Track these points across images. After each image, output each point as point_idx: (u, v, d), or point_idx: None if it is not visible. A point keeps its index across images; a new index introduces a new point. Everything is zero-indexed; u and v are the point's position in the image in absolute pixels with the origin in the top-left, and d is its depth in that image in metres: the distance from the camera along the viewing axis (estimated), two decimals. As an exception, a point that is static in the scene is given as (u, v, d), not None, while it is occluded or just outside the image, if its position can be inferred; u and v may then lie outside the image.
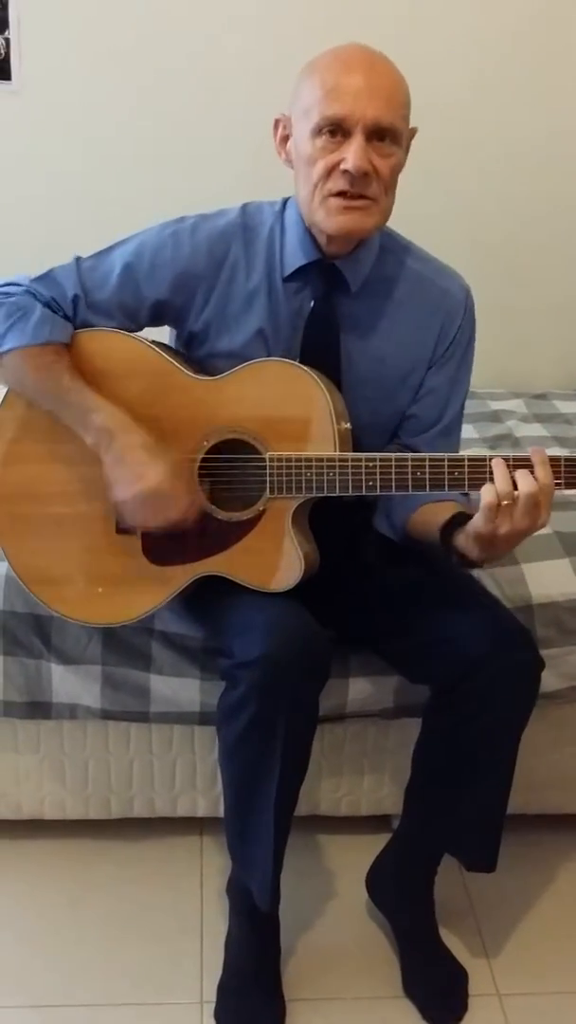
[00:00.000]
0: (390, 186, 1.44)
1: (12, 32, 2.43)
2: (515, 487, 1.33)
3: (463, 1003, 1.62)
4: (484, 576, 1.76)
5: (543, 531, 1.85)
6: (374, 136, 1.39)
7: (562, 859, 1.91)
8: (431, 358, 1.57)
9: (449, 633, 1.48)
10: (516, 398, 2.61)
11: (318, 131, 1.40)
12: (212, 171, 2.47)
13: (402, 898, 1.69)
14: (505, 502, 1.32)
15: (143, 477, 1.43)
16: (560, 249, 2.70)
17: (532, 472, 1.33)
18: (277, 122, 1.49)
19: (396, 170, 1.44)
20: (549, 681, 1.69)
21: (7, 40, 2.44)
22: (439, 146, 2.50)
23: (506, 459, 1.35)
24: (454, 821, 1.57)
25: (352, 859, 1.80)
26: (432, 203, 2.52)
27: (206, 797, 1.84)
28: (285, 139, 1.48)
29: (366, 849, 1.75)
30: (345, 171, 1.39)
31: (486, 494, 1.33)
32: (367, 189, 1.41)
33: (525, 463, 1.35)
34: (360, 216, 1.43)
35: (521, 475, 1.33)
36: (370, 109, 1.38)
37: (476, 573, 1.74)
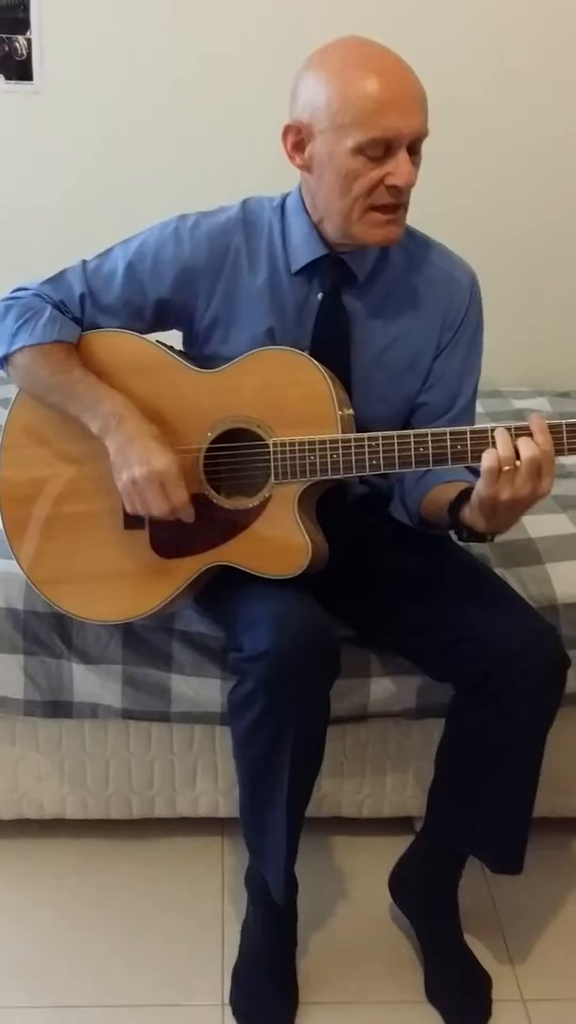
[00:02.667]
0: None
1: (34, 33, 2.44)
2: (517, 455, 1.32)
3: (487, 1009, 1.60)
4: (509, 575, 1.75)
5: (568, 531, 1.85)
6: (411, 147, 1.41)
7: (588, 863, 1.89)
8: (438, 343, 1.58)
9: (474, 631, 1.47)
10: (540, 396, 2.58)
11: (360, 150, 1.39)
12: (231, 171, 2.46)
13: (426, 901, 1.67)
14: (507, 467, 1.32)
15: (151, 460, 1.44)
16: (581, 244, 2.68)
17: (533, 438, 1.33)
18: (288, 129, 1.46)
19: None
20: (573, 681, 1.67)
21: (29, 41, 2.45)
22: (457, 144, 2.49)
23: (508, 428, 1.35)
24: (479, 822, 1.55)
25: (374, 861, 1.78)
26: (451, 200, 2.50)
27: (227, 797, 1.83)
28: (298, 144, 1.46)
29: (388, 851, 1.73)
30: (392, 186, 1.40)
31: (487, 459, 1.32)
32: (406, 198, 1.44)
33: (527, 432, 1.34)
34: (399, 228, 1.47)
35: (523, 442, 1.32)
36: (414, 124, 1.39)
37: (500, 572, 1.73)
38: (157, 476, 1.43)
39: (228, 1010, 1.59)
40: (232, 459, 1.49)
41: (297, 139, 1.45)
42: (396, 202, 1.43)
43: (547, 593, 1.72)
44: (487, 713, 1.48)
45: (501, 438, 1.33)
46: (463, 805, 1.56)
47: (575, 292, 2.72)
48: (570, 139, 2.57)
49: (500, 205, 2.62)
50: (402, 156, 1.39)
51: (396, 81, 1.38)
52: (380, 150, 1.39)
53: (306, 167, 1.47)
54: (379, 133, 1.37)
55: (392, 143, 1.39)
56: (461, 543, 1.54)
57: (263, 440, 1.46)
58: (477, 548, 1.79)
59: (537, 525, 1.84)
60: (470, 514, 1.41)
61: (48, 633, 1.69)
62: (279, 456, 1.45)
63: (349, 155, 1.40)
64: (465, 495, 1.43)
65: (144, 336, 1.55)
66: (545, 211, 2.63)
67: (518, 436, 1.34)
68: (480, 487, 1.35)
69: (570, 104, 2.55)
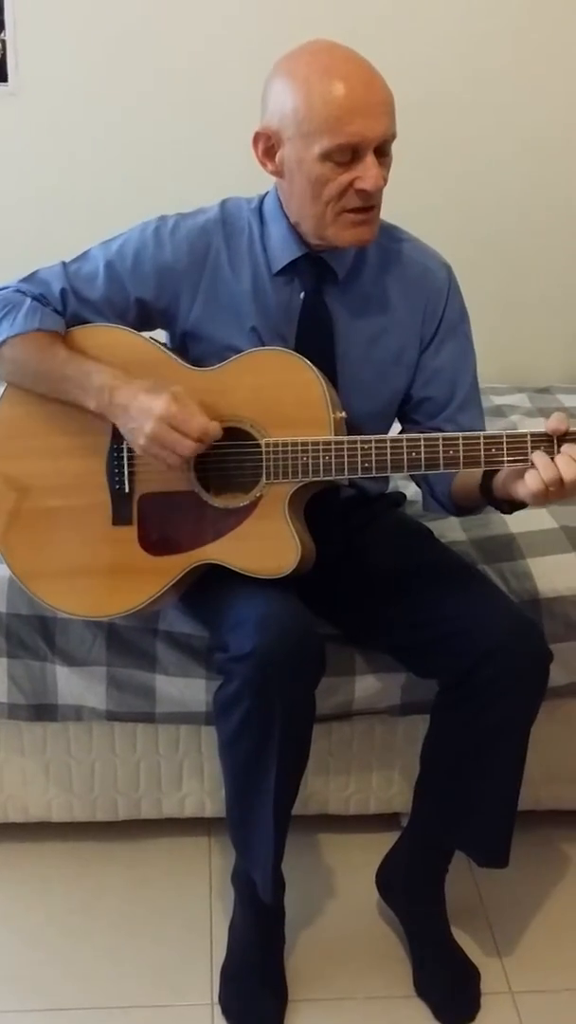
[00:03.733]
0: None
1: (8, 34, 2.43)
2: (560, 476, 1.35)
3: (476, 1002, 1.61)
4: (491, 571, 1.76)
5: (549, 526, 1.87)
6: (380, 150, 1.41)
7: (574, 856, 1.89)
8: (421, 337, 1.59)
9: (457, 626, 1.48)
10: (519, 392, 2.60)
11: (328, 156, 1.40)
12: (210, 172, 2.46)
13: (413, 896, 1.68)
14: (552, 489, 1.35)
15: (152, 409, 1.42)
16: (562, 243, 2.70)
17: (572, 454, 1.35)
18: (258, 136, 1.46)
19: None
20: (556, 675, 1.67)
21: (3, 42, 2.44)
22: (439, 140, 2.51)
23: (523, 437, 1.36)
24: (464, 817, 1.56)
25: (362, 858, 1.79)
26: (433, 197, 2.52)
27: (213, 798, 1.83)
28: (269, 151, 1.46)
29: (375, 848, 1.74)
30: (361, 190, 1.41)
31: (532, 482, 1.35)
32: (377, 200, 1.45)
33: (544, 439, 1.36)
34: (371, 228, 1.48)
35: (563, 460, 1.34)
36: (379, 128, 1.40)
37: (483, 568, 1.75)
38: (164, 420, 1.42)
39: (218, 1009, 1.59)
40: (224, 458, 1.49)
41: (267, 146, 1.46)
42: (366, 205, 1.44)
43: (529, 588, 1.73)
44: (471, 708, 1.49)
45: (540, 460, 1.35)
46: (448, 800, 1.56)
47: (554, 290, 2.74)
48: (550, 137, 2.59)
49: (479, 203, 2.63)
50: (369, 160, 1.40)
51: (360, 87, 1.39)
52: (347, 155, 1.40)
53: (278, 173, 1.48)
54: (344, 139, 1.38)
55: (358, 148, 1.39)
56: (504, 514, 1.54)
57: (255, 440, 1.47)
58: (460, 545, 1.81)
59: (519, 521, 1.84)
60: (503, 487, 1.43)
61: (32, 636, 1.68)
62: (271, 456, 1.45)
63: (317, 161, 1.40)
64: (489, 474, 1.45)
65: (139, 332, 1.55)
66: (523, 209, 2.65)
67: (534, 445, 1.36)
68: (530, 502, 1.39)
69: (551, 102, 2.56)
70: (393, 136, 1.43)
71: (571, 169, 2.63)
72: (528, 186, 2.63)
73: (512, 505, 1.46)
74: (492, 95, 2.55)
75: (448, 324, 1.60)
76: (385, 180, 1.43)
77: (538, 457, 1.35)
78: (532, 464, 1.36)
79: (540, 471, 1.34)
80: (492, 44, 2.50)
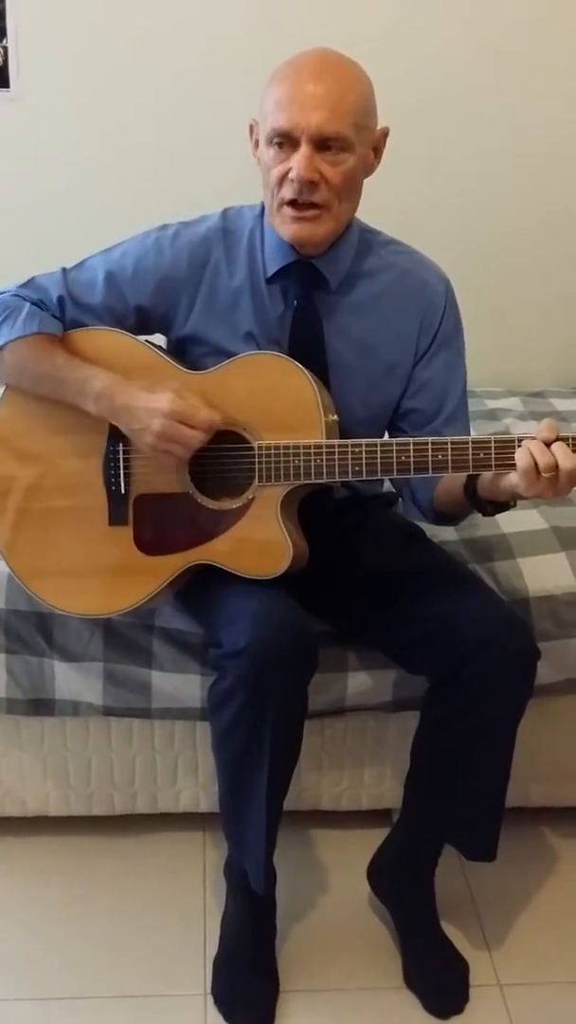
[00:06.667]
0: (344, 192, 1.47)
1: (10, 40, 2.46)
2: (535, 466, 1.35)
3: (464, 994, 1.64)
4: (482, 570, 1.78)
5: (539, 526, 1.89)
6: (320, 145, 1.43)
7: (562, 851, 1.92)
8: (416, 349, 1.61)
9: (446, 623, 1.51)
10: (513, 396, 2.62)
11: (269, 141, 1.45)
12: (211, 178, 2.49)
13: (403, 889, 1.70)
14: (547, 475, 1.35)
15: (158, 407, 1.46)
16: (556, 247, 2.71)
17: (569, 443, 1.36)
18: (250, 129, 1.52)
19: (350, 176, 1.46)
20: (546, 673, 1.71)
21: (5, 48, 2.47)
22: (432, 146, 2.53)
23: (518, 440, 1.37)
24: (453, 811, 1.58)
25: (354, 853, 1.81)
26: (427, 202, 2.55)
27: (208, 793, 1.86)
28: (255, 143, 1.51)
29: (368, 843, 1.76)
30: (291, 180, 1.44)
31: (522, 460, 1.35)
32: (315, 197, 1.45)
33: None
34: (310, 226, 1.48)
35: (559, 448, 1.35)
36: (313, 119, 1.41)
37: (473, 567, 1.77)
38: (171, 416, 1.45)
39: (210, 999, 1.61)
40: (218, 460, 1.52)
41: (254, 138, 1.51)
42: (300, 198, 1.45)
43: (518, 587, 1.76)
44: (460, 703, 1.51)
45: (535, 447, 1.35)
46: (438, 794, 1.59)
47: (547, 295, 2.76)
48: (547, 144, 2.60)
49: (474, 209, 2.65)
50: (302, 151, 1.42)
51: (306, 79, 1.42)
52: (282, 140, 1.44)
53: (259, 162, 1.52)
54: (278, 124, 1.43)
55: (290, 135, 1.43)
56: (485, 516, 1.54)
57: (249, 443, 1.49)
58: (451, 545, 1.83)
59: (509, 521, 1.87)
60: (489, 486, 1.44)
61: (30, 631, 1.71)
62: (264, 459, 1.48)
63: (265, 146, 1.47)
64: (474, 475, 1.46)
65: (135, 336, 1.58)
66: (518, 215, 2.67)
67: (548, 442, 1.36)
68: (520, 490, 1.38)
69: (549, 109, 2.58)
70: (337, 135, 1.43)
71: (566, 176, 2.65)
72: (523, 192, 2.65)
73: (496, 506, 1.48)
74: (489, 104, 2.56)
75: (442, 337, 1.61)
76: (326, 177, 1.44)
77: (533, 444, 1.36)
78: (519, 445, 1.36)
79: (536, 455, 1.34)
80: (488, 54, 2.52)
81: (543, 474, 1.35)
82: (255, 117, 1.50)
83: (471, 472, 1.43)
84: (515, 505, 1.49)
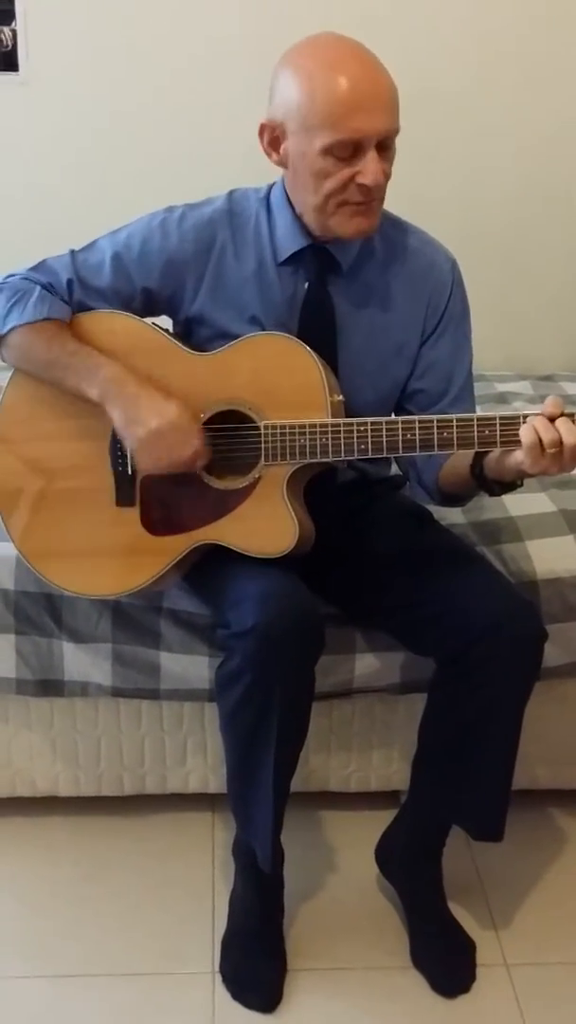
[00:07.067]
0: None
1: (19, 23, 2.46)
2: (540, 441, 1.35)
3: (471, 973, 1.64)
4: (490, 553, 1.78)
5: (548, 508, 1.89)
6: (382, 144, 1.43)
7: (569, 832, 1.93)
8: (423, 329, 1.61)
9: (454, 604, 1.51)
10: (522, 380, 2.62)
11: (329, 151, 1.42)
12: (217, 162, 2.49)
13: (411, 869, 1.71)
14: (552, 450, 1.35)
15: (164, 411, 1.47)
16: (566, 232, 2.70)
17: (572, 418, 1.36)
18: (263, 127, 1.49)
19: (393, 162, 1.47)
20: (554, 655, 1.71)
21: (14, 32, 2.47)
22: (440, 132, 2.52)
23: (517, 419, 1.37)
24: (460, 791, 1.59)
25: (362, 834, 1.82)
26: (436, 189, 2.54)
27: (216, 774, 1.87)
28: (274, 142, 1.49)
29: (376, 825, 1.77)
30: (362, 184, 1.43)
31: (527, 436, 1.35)
32: (378, 193, 1.46)
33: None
34: (372, 219, 1.49)
35: (563, 425, 1.35)
36: (379, 125, 1.41)
37: (481, 549, 1.77)
38: (172, 426, 1.47)
39: (219, 977, 1.63)
40: (224, 440, 1.52)
41: (272, 137, 1.48)
42: (366, 199, 1.46)
43: (526, 569, 1.76)
44: (467, 685, 1.52)
45: (540, 423, 1.35)
46: (445, 774, 1.60)
47: (556, 279, 2.75)
48: (553, 129, 2.60)
49: (484, 194, 2.64)
50: (371, 156, 1.42)
51: (364, 83, 1.40)
52: (348, 150, 1.42)
53: (282, 163, 1.50)
54: (346, 135, 1.40)
55: (360, 144, 1.41)
56: (492, 496, 1.54)
57: (255, 422, 1.50)
58: (459, 527, 1.84)
59: (517, 504, 1.88)
60: (495, 466, 1.44)
61: (39, 613, 1.72)
62: (270, 438, 1.48)
63: (319, 156, 1.43)
64: (480, 454, 1.46)
65: (140, 318, 1.58)
66: (527, 200, 2.66)
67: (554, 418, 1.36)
68: (525, 468, 1.38)
69: (554, 94, 2.57)
70: (396, 131, 1.44)
71: (573, 160, 2.64)
72: (531, 176, 2.64)
73: (502, 487, 1.48)
74: (494, 89, 2.55)
75: (449, 318, 1.61)
76: (387, 174, 1.45)
77: (538, 420, 1.36)
78: (524, 421, 1.36)
79: (540, 431, 1.34)
80: (494, 41, 2.51)
81: (548, 450, 1.35)
82: (273, 117, 1.46)
83: (477, 449, 1.43)
84: (522, 485, 1.49)
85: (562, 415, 1.37)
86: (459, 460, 1.52)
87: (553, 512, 1.88)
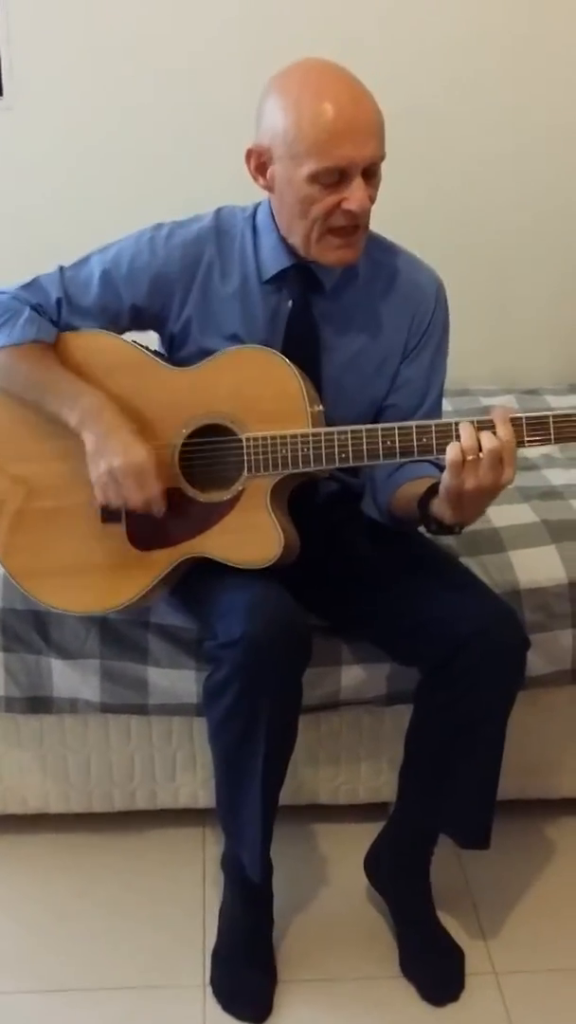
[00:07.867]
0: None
1: (3, 48, 2.48)
2: (480, 446, 1.38)
3: (460, 982, 1.65)
4: (473, 563, 1.80)
5: (530, 519, 1.91)
6: (368, 171, 1.45)
7: (555, 841, 1.94)
8: (404, 348, 1.63)
9: (437, 614, 1.53)
10: (508, 394, 2.64)
11: (315, 178, 1.44)
12: (204, 185, 2.51)
13: (399, 879, 1.72)
14: (470, 457, 1.37)
15: (128, 452, 1.49)
16: (552, 246, 2.72)
17: (495, 431, 1.38)
18: (250, 152, 1.51)
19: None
20: (538, 665, 1.73)
21: (-2, 57, 2.49)
22: (427, 144, 2.54)
23: (471, 421, 1.41)
24: (447, 800, 1.60)
25: (351, 846, 1.83)
26: (422, 203, 2.55)
27: (207, 789, 1.87)
28: (261, 167, 1.51)
29: (365, 837, 1.78)
30: (347, 211, 1.45)
31: (451, 451, 1.38)
32: (363, 220, 1.49)
33: (490, 425, 1.40)
34: (355, 251, 1.52)
35: (486, 434, 1.38)
36: (366, 152, 1.43)
37: (465, 560, 1.79)
38: (134, 468, 1.49)
39: (210, 990, 1.63)
40: (206, 454, 1.54)
41: (259, 162, 1.51)
42: (352, 224, 1.48)
43: (509, 579, 1.78)
44: (452, 693, 1.53)
45: (465, 430, 1.39)
46: (431, 784, 1.61)
47: (542, 293, 2.77)
48: (540, 142, 2.61)
49: (469, 206, 2.66)
50: (356, 182, 1.44)
51: (349, 110, 1.42)
52: (334, 177, 1.44)
53: (269, 188, 1.53)
54: (332, 163, 1.43)
55: (346, 171, 1.44)
56: (429, 535, 1.59)
57: (236, 435, 1.52)
58: (442, 538, 1.85)
59: (500, 514, 1.90)
60: (438, 507, 1.46)
61: (27, 630, 1.73)
62: (252, 450, 1.50)
63: (305, 182, 1.45)
64: (433, 490, 1.48)
65: (120, 336, 1.61)
66: (513, 214, 2.67)
67: (481, 429, 1.39)
68: (445, 478, 1.40)
69: (540, 108, 2.58)
70: (382, 157, 1.46)
71: (562, 173, 2.67)
72: (519, 189, 2.65)
73: (440, 526, 1.49)
74: (481, 103, 2.56)
75: (429, 337, 1.64)
76: (372, 199, 1.48)
77: (464, 427, 1.39)
78: (457, 436, 1.39)
79: (462, 438, 1.37)
80: (484, 52, 2.53)
81: (467, 458, 1.37)
82: (260, 143, 1.48)
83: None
84: (459, 532, 1.51)
85: (514, 419, 1.39)
86: (415, 488, 1.54)
87: (535, 523, 1.90)
